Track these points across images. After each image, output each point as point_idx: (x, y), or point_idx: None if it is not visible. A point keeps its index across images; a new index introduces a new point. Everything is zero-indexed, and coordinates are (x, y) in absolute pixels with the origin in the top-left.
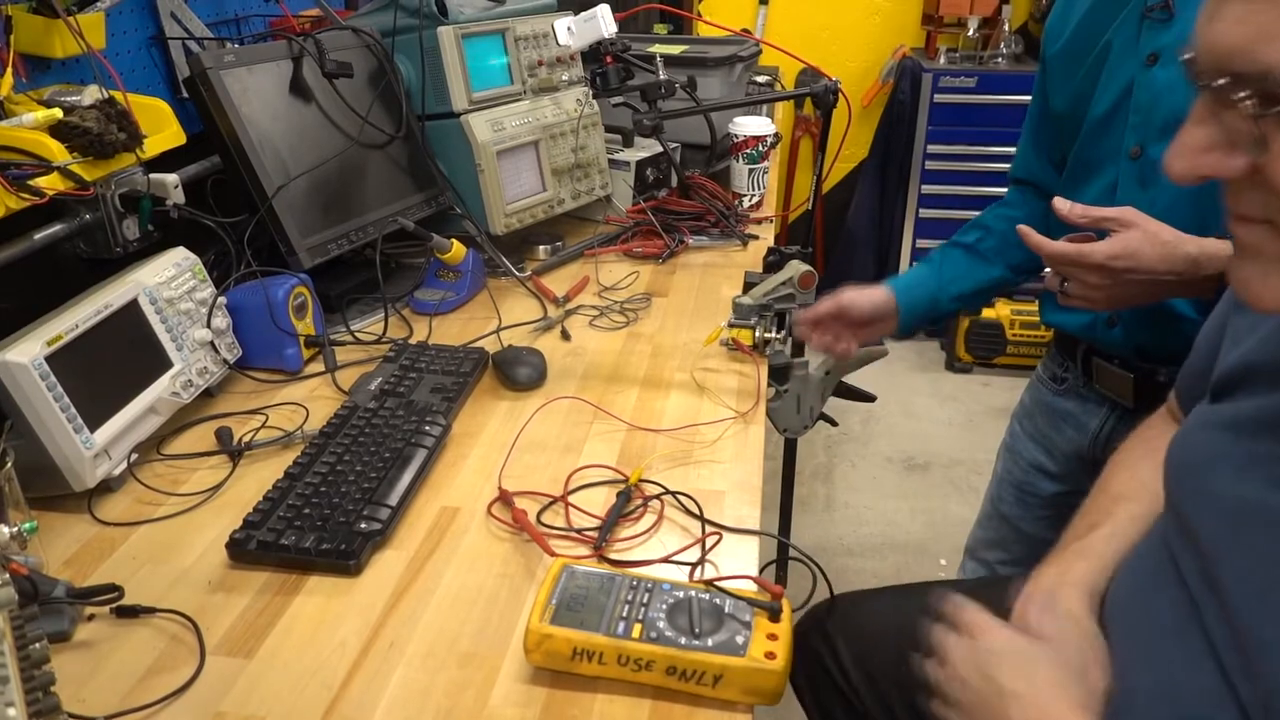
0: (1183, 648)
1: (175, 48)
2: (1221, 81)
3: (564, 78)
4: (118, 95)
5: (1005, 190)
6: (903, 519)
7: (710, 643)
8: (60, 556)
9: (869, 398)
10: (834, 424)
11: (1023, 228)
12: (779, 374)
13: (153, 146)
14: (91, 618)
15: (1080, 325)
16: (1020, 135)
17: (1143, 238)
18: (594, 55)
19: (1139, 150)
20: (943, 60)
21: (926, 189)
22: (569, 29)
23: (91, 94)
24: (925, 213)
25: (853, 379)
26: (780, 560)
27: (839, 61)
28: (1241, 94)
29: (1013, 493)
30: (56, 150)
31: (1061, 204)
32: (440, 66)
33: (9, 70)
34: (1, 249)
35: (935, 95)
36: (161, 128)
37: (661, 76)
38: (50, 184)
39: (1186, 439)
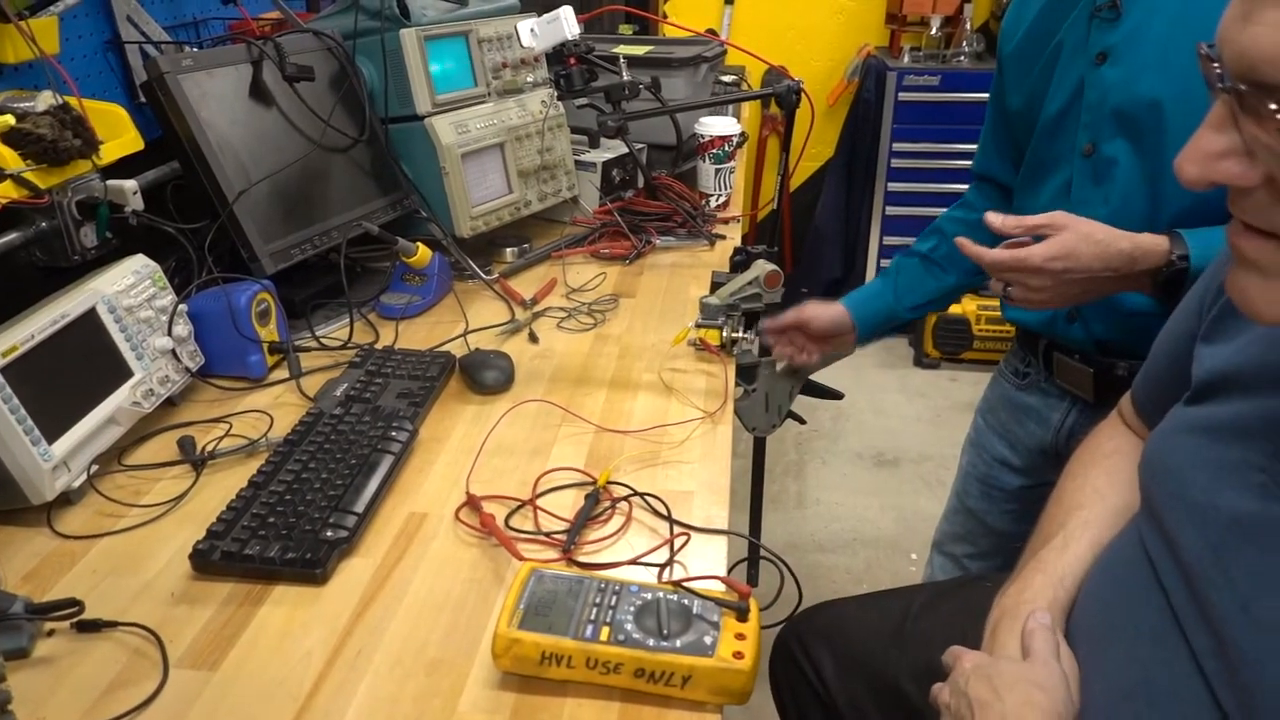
0: (1163, 651)
1: (132, 52)
2: (1245, 88)
3: (529, 79)
4: (72, 101)
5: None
6: (873, 515)
7: (678, 644)
8: (19, 571)
9: (837, 395)
10: (802, 422)
11: (960, 240)
12: (747, 373)
13: (109, 153)
14: (51, 633)
15: (1041, 321)
16: (980, 132)
17: (1077, 238)
18: (558, 57)
19: (1091, 148)
20: (906, 59)
21: (893, 186)
22: (532, 31)
23: (45, 100)
24: (892, 210)
25: (820, 376)
26: (751, 559)
27: (804, 60)
28: (1272, 105)
29: (978, 487)
30: (9, 158)
31: (994, 218)
32: (403, 69)
33: None
34: None
35: (900, 93)
36: (118, 133)
37: (625, 78)
38: (3, 192)
39: (1164, 441)
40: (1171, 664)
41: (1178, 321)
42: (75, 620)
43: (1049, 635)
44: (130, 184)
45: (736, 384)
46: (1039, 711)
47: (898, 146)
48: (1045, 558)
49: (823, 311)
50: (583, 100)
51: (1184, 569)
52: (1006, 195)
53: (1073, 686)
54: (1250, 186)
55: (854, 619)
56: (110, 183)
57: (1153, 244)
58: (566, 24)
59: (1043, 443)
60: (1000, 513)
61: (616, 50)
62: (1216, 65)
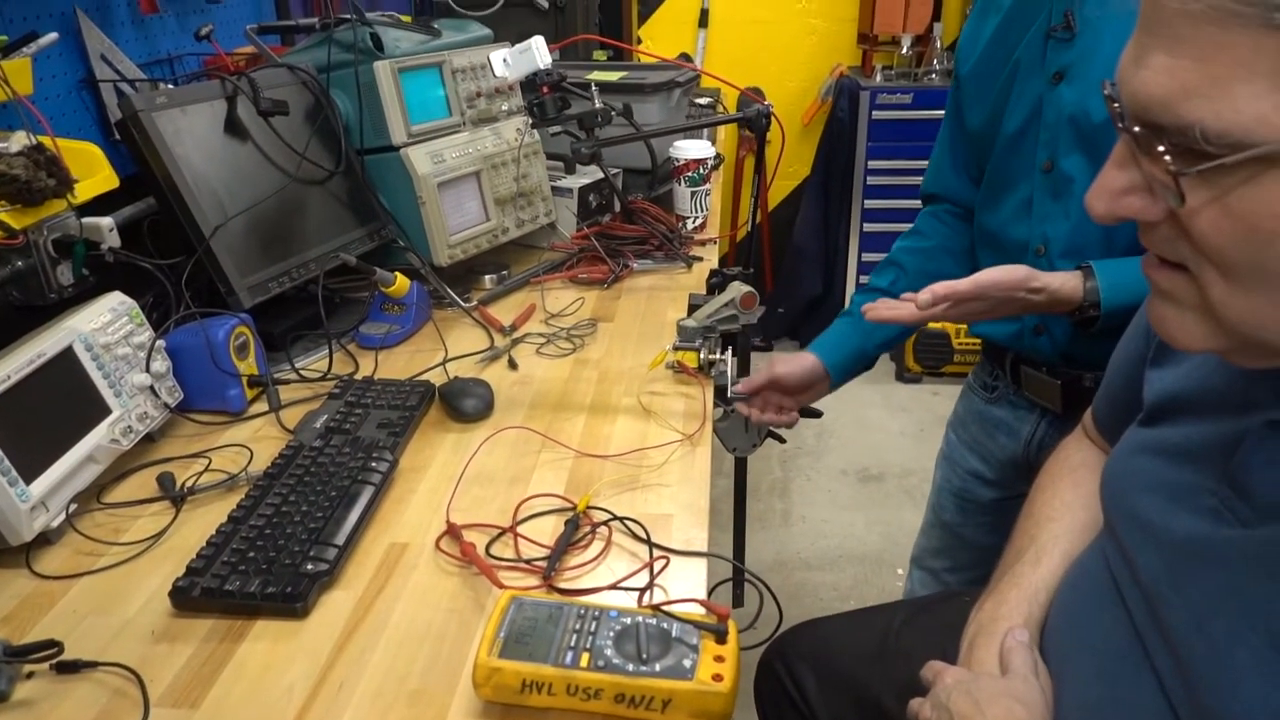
0: (1127, 669)
1: (106, 90)
2: (1139, 129)
3: (503, 108)
4: (46, 141)
5: None
6: (859, 530)
7: (657, 668)
8: None
9: (816, 414)
10: (782, 441)
11: (869, 311)
12: (726, 394)
13: (84, 191)
14: (31, 675)
15: (1008, 335)
16: (934, 151)
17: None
18: (531, 85)
19: (1050, 164)
20: (879, 78)
21: (869, 203)
22: (505, 61)
23: (19, 140)
24: (869, 226)
25: None
26: (735, 580)
27: (779, 81)
28: (1160, 147)
29: (953, 501)
30: None
31: (923, 297)
32: (378, 101)
33: None
34: None
35: (873, 112)
36: (93, 172)
37: (598, 105)
38: None
39: (1121, 463)
40: (1135, 682)
41: (1128, 343)
42: (55, 661)
43: (1027, 653)
44: (106, 221)
45: (715, 405)
46: None
47: (873, 164)
48: (1020, 572)
49: (793, 366)
50: (557, 128)
51: (1143, 589)
52: (959, 215)
53: (1049, 702)
54: (1156, 221)
55: (836, 637)
56: (86, 220)
57: (1070, 292)
58: (538, 54)
59: (1014, 455)
60: (975, 526)
61: (590, 77)
62: (1116, 104)
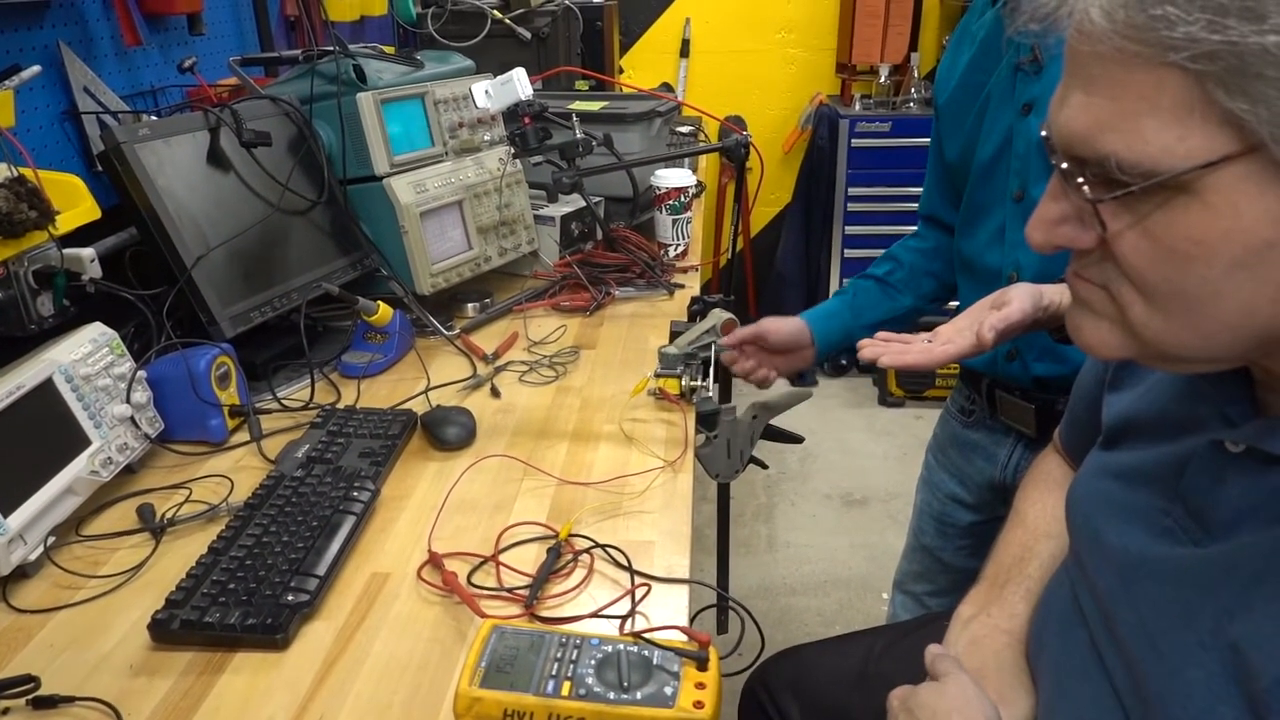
0: (1091, 689)
1: (89, 122)
2: (1065, 165)
3: (485, 138)
4: (28, 173)
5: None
6: (843, 555)
7: (639, 695)
8: None
9: (797, 439)
10: (764, 466)
11: (864, 348)
12: (708, 420)
13: (66, 223)
14: (6, 711)
15: (983, 360)
16: (925, 177)
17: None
18: (513, 116)
19: (1021, 193)
20: (858, 106)
21: (850, 230)
22: (486, 92)
23: (0, 172)
24: (850, 253)
25: (784, 418)
26: (720, 606)
27: (759, 110)
28: (1079, 179)
29: (932, 525)
30: None
31: (988, 335)
32: (360, 131)
33: None
34: None
35: (853, 140)
36: (75, 203)
37: (579, 135)
38: None
39: (1082, 485)
40: (1095, 700)
41: (1089, 368)
42: (31, 697)
43: (948, 659)
44: (88, 252)
45: (697, 431)
46: None
47: (853, 191)
48: (1022, 576)
49: (781, 325)
50: (539, 158)
51: (1103, 608)
52: (951, 233)
53: (979, 696)
54: (1088, 248)
55: (818, 664)
56: (67, 251)
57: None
58: (519, 85)
59: (991, 479)
60: (955, 549)
61: (572, 107)
62: (1048, 143)
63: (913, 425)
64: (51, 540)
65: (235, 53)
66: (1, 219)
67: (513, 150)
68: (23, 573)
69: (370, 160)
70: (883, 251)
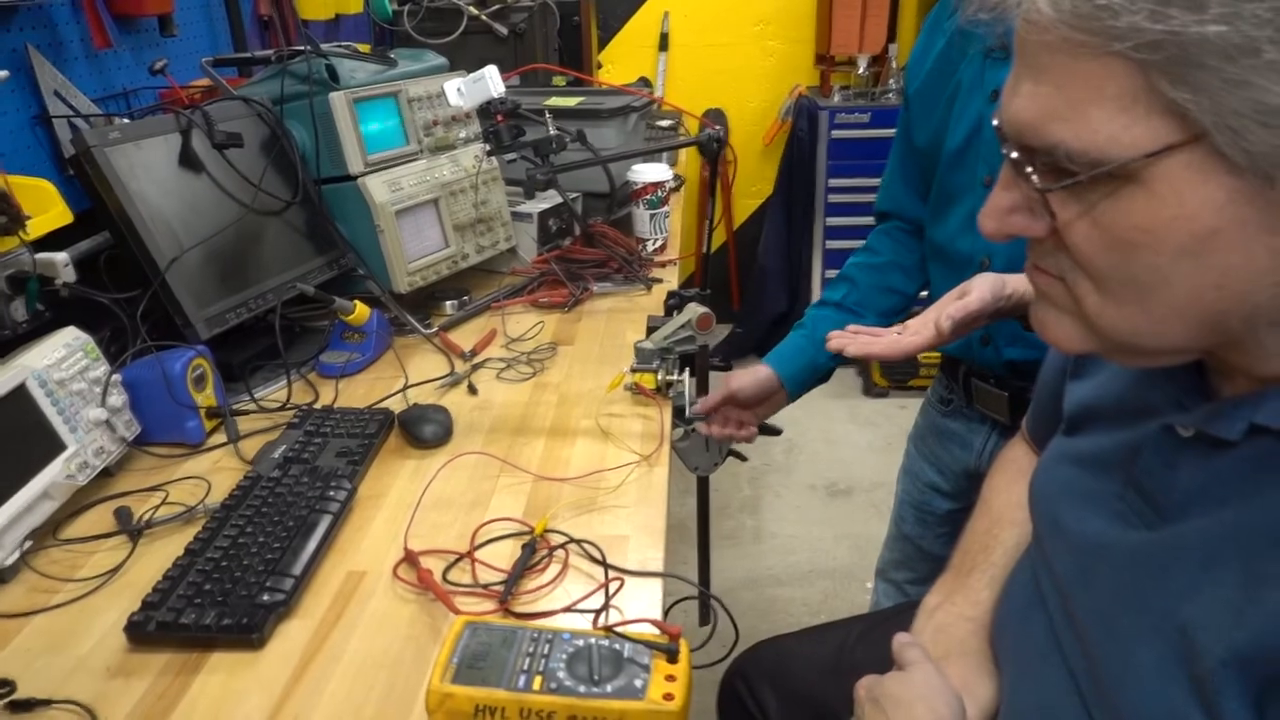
0: (1050, 673)
1: (61, 126)
2: (1015, 155)
3: (461, 135)
4: None
5: None
6: (828, 545)
7: (609, 688)
8: None
9: (776, 431)
10: (743, 459)
11: (835, 339)
12: (684, 414)
13: (37, 228)
14: None
15: (958, 346)
16: (885, 170)
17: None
18: (486, 113)
19: (990, 179)
20: (837, 98)
21: (831, 221)
22: (459, 90)
23: None
24: (832, 244)
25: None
26: (701, 599)
27: (739, 101)
28: (1029, 168)
29: (913, 513)
30: None
31: (945, 324)
32: (334, 131)
33: None
34: None
35: (832, 131)
36: (46, 208)
37: (552, 131)
38: None
39: (1044, 471)
40: (1054, 684)
41: (1053, 356)
42: (7, 701)
43: (914, 648)
44: (61, 256)
45: (675, 426)
46: None
47: (834, 182)
48: (984, 563)
49: (748, 380)
50: (512, 155)
51: (1061, 593)
52: (910, 232)
53: (944, 686)
54: (1040, 237)
55: (795, 654)
56: (40, 256)
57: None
58: (491, 83)
59: (967, 466)
60: (934, 537)
61: (548, 103)
62: (1000, 132)
63: (897, 415)
64: (28, 545)
65: (208, 53)
66: None
67: (487, 148)
68: (2, 577)
69: (344, 160)
70: (861, 244)
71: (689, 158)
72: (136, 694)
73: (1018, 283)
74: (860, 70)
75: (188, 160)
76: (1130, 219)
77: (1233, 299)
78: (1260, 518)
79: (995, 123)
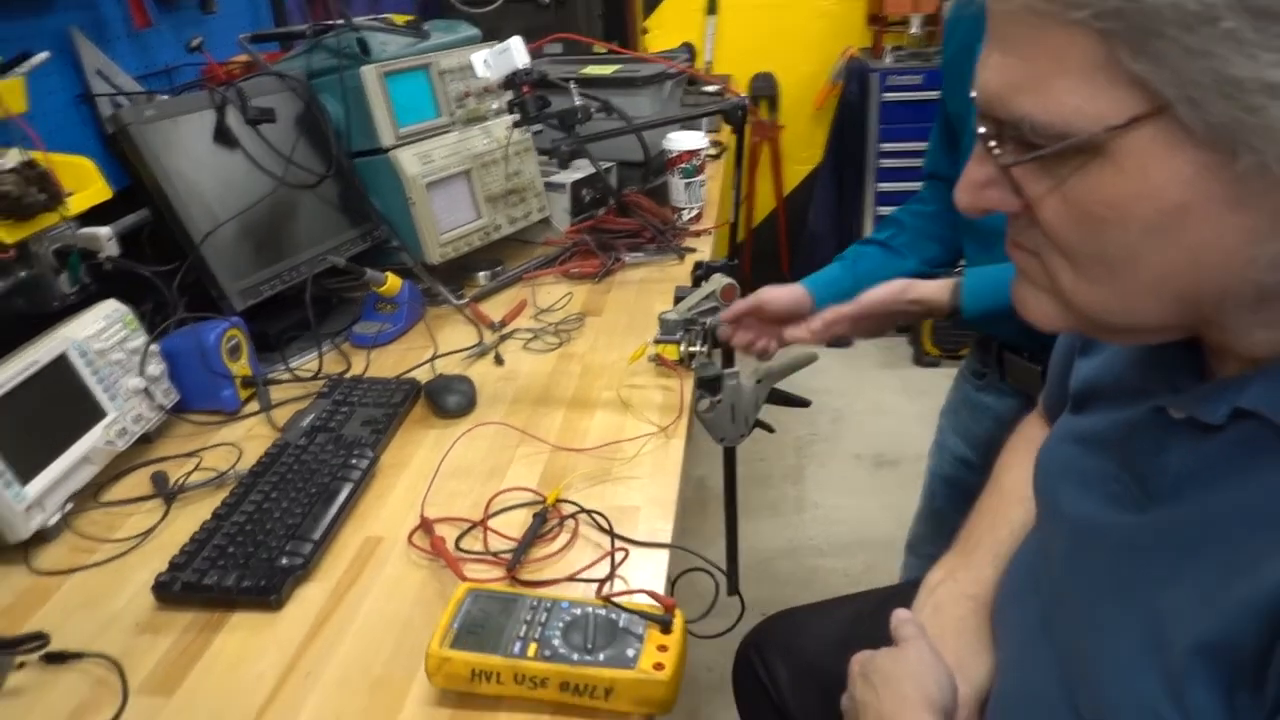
0: (1037, 654)
1: (103, 104)
2: (984, 128)
3: (493, 107)
4: (39, 156)
5: None
6: (872, 516)
7: (601, 657)
8: None
9: (804, 403)
10: (770, 430)
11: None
12: (710, 385)
13: (77, 204)
14: (22, 665)
15: (993, 320)
16: (930, 133)
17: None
18: (513, 84)
19: None
20: (889, 59)
21: (882, 186)
22: (485, 62)
23: (13, 157)
24: (884, 209)
25: (819, 375)
26: (730, 571)
27: (791, 66)
28: (992, 142)
29: (943, 488)
30: None
31: (815, 324)
32: (365, 104)
33: None
34: None
35: (884, 94)
36: (87, 184)
37: (577, 102)
38: None
39: (1048, 450)
40: (1042, 666)
41: (1067, 336)
42: (43, 653)
43: (911, 625)
44: (105, 231)
45: (699, 396)
46: (909, 704)
47: (885, 146)
48: (988, 541)
49: (780, 293)
50: (538, 126)
51: (1056, 575)
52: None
53: (935, 663)
54: (1014, 212)
55: (808, 627)
56: (85, 231)
57: (939, 299)
58: (516, 54)
59: (998, 441)
60: (964, 512)
61: (584, 71)
62: (976, 102)
63: (946, 385)
64: (70, 506)
65: (249, 29)
66: (11, 202)
67: (514, 119)
68: (42, 537)
69: (376, 133)
70: None
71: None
72: (161, 649)
73: (926, 289)
74: (913, 30)
75: (222, 136)
76: (1098, 194)
77: (1203, 278)
78: (1240, 504)
79: (972, 94)
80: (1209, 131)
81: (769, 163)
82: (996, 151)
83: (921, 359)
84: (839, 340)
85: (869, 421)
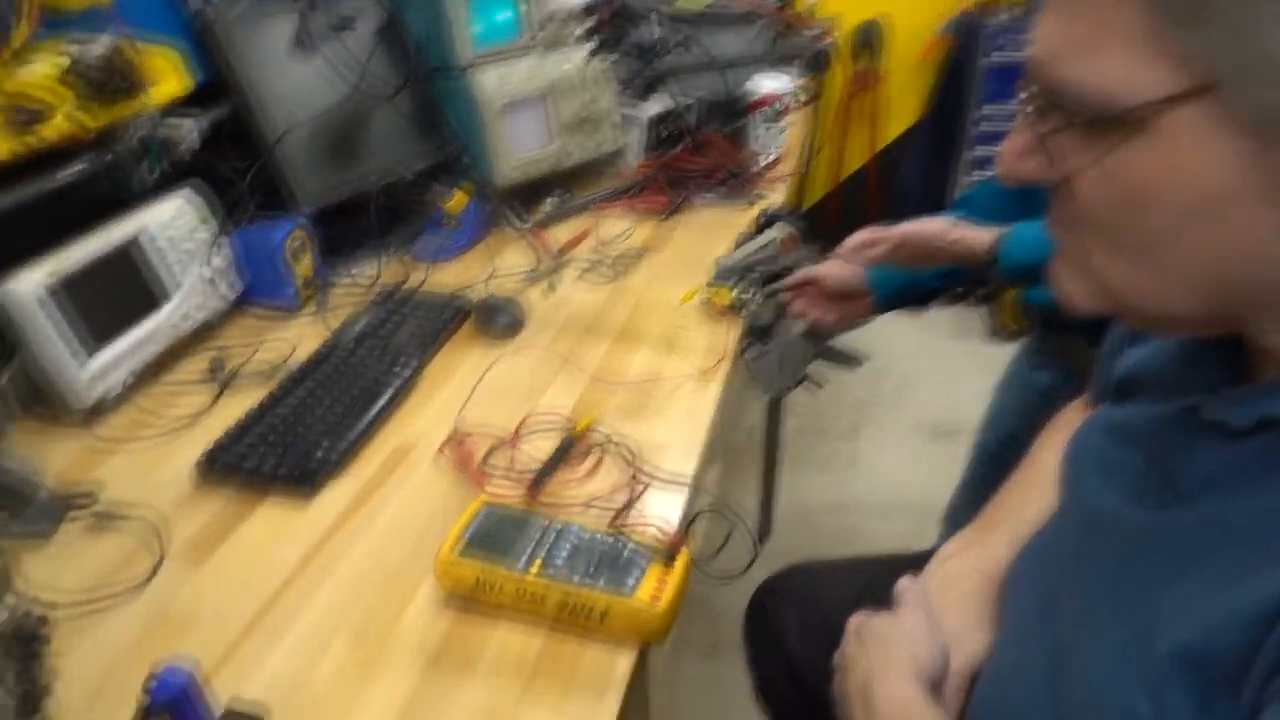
0: (1033, 636)
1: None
2: (1024, 94)
3: (575, 33)
4: (127, 46)
5: None
6: (923, 481)
7: (601, 582)
8: (55, 468)
9: (856, 362)
10: (819, 386)
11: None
12: (761, 333)
13: (159, 94)
14: (74, 520)
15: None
16: None
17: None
18: (592, 10)
19: None
20: (1004, 16)
21: (980, 151)
22: None
23: (103, 43)
24: (979, 175)
25: (890, 335)
26: (764, 517)
27: (905, 13)
28: (1033, 109)
29: (987, 461)
30: (62, 97)
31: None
32: (447, 22)
33: (24, 21)
34: (21, 188)
35: (992, 54)
36: (171, 75)
37: (655, 34)
38: (54, 129)
39: (1079, 438)
40: (1034, 651)
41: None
42: (92, 510)
43: (913, 592)
44: (188, 123)
45: (749, 344)
46: (895, 667)
47: (987, 109)
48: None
49: (837, 270)
50: (614, 55)
51: (1062, 560)
52: None
53: (931, 629)
54: (1053, 183)
55: (825, 582)
56: (170, 120)
57: (978, 244)
58: None
59: (1047, 421)
60: None
61: (678, 3)
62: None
63: None
64: (130, 381)
65: None
66: (96, 88)
67: (591, 47)
68: (103, 407)
69: (456, 51)
70: None
71: (833, 73)
72: (198, 523)
73: (968, 232)
74: None
75: (304, 40)
76: (1135, 171)
77: (1231, 271)
78: (1251, 513)
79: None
80: (1254, 117)
81: (865, 116)
82: (1037, 120)
83: (997, 333)
84: (915, 305)
85: (934, 391)
